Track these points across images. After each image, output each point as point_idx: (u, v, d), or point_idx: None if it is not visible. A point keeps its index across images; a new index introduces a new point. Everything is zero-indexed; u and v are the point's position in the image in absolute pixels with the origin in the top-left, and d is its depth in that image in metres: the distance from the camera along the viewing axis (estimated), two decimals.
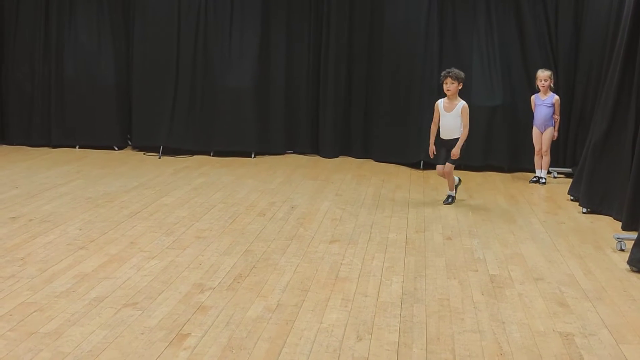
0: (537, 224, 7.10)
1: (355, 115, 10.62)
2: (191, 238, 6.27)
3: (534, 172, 9.30)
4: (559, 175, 9.58)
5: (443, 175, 7.76)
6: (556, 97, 9.06)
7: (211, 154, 10.42)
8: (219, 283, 5.17)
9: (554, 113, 9.03)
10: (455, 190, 7.96)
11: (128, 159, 10.11)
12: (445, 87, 7.60)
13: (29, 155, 10.08)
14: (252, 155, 10.41)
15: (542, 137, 9.07)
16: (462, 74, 7.65)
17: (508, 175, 9.61)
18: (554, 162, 9.69)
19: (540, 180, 9.10)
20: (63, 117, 10.66)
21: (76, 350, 4.02)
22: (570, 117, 9.73)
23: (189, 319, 4.49)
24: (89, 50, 10.60)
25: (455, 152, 7.54)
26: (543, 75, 9.04)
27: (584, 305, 4.94)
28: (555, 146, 9.76)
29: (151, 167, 9.50)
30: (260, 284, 5.16)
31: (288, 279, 5.29)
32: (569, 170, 9.52)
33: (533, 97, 9.16)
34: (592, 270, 5.70)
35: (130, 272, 5.33)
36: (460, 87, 7.62)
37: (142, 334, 4.27)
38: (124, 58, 10.79)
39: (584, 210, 7.57)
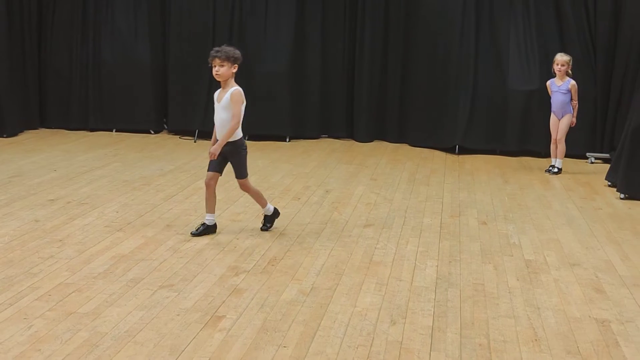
0: (573, 210, 7.02)
1: (390, 99, 10.57)
2: (226, 221, 6.30)
3: (574, 157, 9.18)
4: (597, 161, 9.45)
5: (246, 190, 6.06)
6: (572, 82, 8.56)
7: (246, 138, 10.40)
8: (254, 266, 5.19)
9: (571, 99, 8.58)
10: (270, 220, 6.09)
11: (164, 142, 10.18)
12: (213, 71, 5.90)
13: (67, 138, 10.20)
14: (287, 139, 10.42)
15: (560, 123, 8.63)
16: (237, 53, 5.89)
17: (544, 159, 9.50)
18: (591, 148, 9.58)
19: (552, 170, 8.69)
20: (100, 102, 10.76)
21: (114, 330, 4.07)
22: (608, 102, 9.60)
23: (224, 301, 4.53)
24: (126, 35, 10.68)
25: (214, 149, 5.79)
26: (561, 60, 8.56)
27: (620, 291, 4.88)
28: (592, 131, 9.64)
29: (187, 151, 9.55)
30: (294, 267, 5.18)
31: (322, 263, 5.30)
32: (606, 155, 9.39)
33: (549, 82, 8.77)
34: (630, 256, 5.63)
35: (167, 255, 5.38)
36: (235, 70, 5.92)
37: (178, 315, 4.31)
38: (161, 43, 10.84)
39: (622, 196, 7.47)
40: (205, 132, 10.38)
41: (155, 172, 8.16)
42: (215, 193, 5.90)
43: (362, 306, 4.51)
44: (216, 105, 5.99)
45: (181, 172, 8.20)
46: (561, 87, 8.57)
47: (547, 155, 9.64)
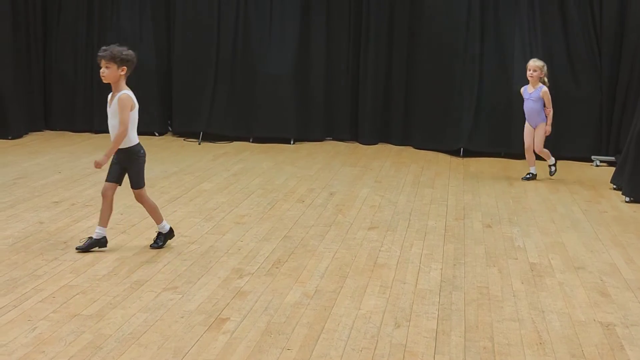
0: (578, 213, 7.01)
1: (394, 101, 10.57)
2: (230, 223, 6.31)
3: (579, 160, 9.16)
4: (602, 164, 9.44)
5: (141, 203, 5.69)
6: (544, 89, 8.13)
7: (250, 140, 10.45)
8: (258, 268, 5.20)
9: (544, 107, 8.18)
10: (164, 238, 5.66)
11: (168, 144, 10.19)
12: (100, 72, 5.40)
13: (72, 140, 10.21)
14: (292, 142, 10.42)
15: (535, 134, 8.25)
16: (127, 54, 5.35)
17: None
18: (596, 151, 9.56)
19: (528, 175, 8.40)
20: (104, 103, 10.68)
21: (117, 332, 4.08)
22: (614, 105, 9.59)
23: (228, 304, 4.53)
24: (130, 37, 10.65)
25: (100, 159, 5.36)
26: (533, 65, 8.12)
27: (625, 295, 4.87)
28: (597, 134, 9.63)
29: (191, 153, 9.56)
30: (298, 270, 5.18)
31: (326, 265, 5.30)
32: (611, 158, 9.38)
33: (522, 89, 8.37)
34: (635, 259, 5.62)
35: (170, 257, 5.39)
36: (123, 72, 5.35)
37: (182, 317, 4.31)
38: (165, 45, 10.86)
39: (627, 199, 7.46)
40: (210, 134, 10.42)
41: (160, 174, 8.17)
42: (112, 205, 5.52)
43: (366, 309, 4.51)
44: (108, 109, 5.47)
45: (185, 174, 8.21)
46: (532, 94, 8.18)
47: None
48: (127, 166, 5.48)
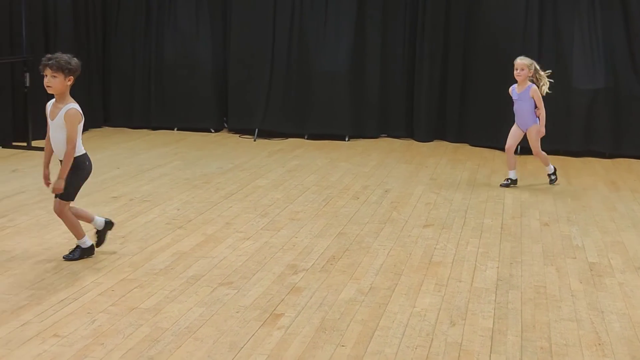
0: (639, 212, 6.86)
1: (450, 98, 10.48)
2: (285, 220, 6.33)
3: (637, 158, 8.97)
4: None
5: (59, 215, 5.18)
6: (533, 87, 7.49)
7: (305, 137, 10.48)
8: (312, 265, 5.21)
9: (535, 107, 7.57)
10: (80, 253, 5.21)
11: (224, 141, 10.28)
12: (45, 81, 5.02)
13: (130, 137, 10.39)
14: (346, 139, 10.42)
15: (529, 137, 7.69)
16: (74, 63, 5.03)
17: (609, 161, 9.30)
18: None
19: (506, 181, 7.74)
20: (162, 101, 10.93)
21: (174, 326, 4.13)
22: None
23: (282, 300, 4.55)
24: (187, 36, 10.82)
25: (59, 184, 4.98)
26: (520, 63, 7.48)
27: None
28: None
29: (246, 150, 9.63)
30: (353, 267, 5.18)
31: (381, 262, 5.28)
32: None
33: (510, 89, 7.74)
34: None
35: (226, 252, 5.44)
36: (70, 82, 5.05)
37: (237, 312, 4.35)
38: (221, 43, 10.95)
39: None
40: (265, 131, 10.48)
41: (216, 171, 8.25)
42: (73, 217, 5.17)
43: (421, 307, 4.49)
44: (50, 121, 5.06)
45: (241, 171, 8.28)
46: (521, 94, 7.54)
47: (612, 156, 9.44)
48: (68, 175, 5.03)
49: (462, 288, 4.82)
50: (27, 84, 9.22)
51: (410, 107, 10.66)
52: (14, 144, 9.25)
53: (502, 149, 9.71)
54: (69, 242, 5.49)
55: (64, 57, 5.00)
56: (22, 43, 9.36)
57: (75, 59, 5.07)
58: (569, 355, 3.89)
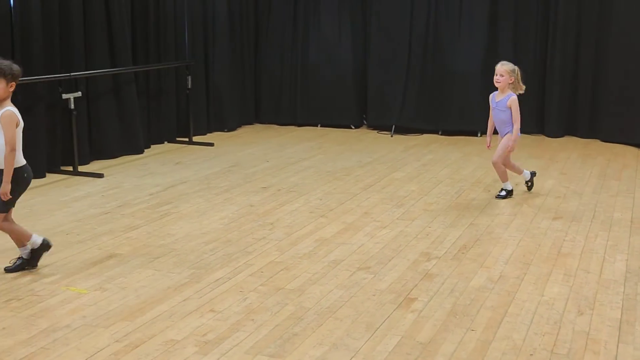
0: None
1: (582, 93, 10.05)
2: (419, 210, 6.31)
3: None
4: None
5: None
6: (513, 97, 6.54)
7: (439, 133, 10.38)
8: (445, 253, 5.17)
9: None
10: (15, 268, 4.73)
11: (363, 136, 10.34)
12: None
13: (278, 132, 10.64)
14: (479, 135, 10.22)
15: (499, 143, 6.72)
16: (15, 69, 4.53)
17: None
18: None
19: (502, 193, 6.72)
20: (307, 99, 11.12)
21: (316, 306, 4.22)
22: None
23: (416, 285, 4.55)
24: (330, 41, 10.95)
25: (5, 187, 4.52)
26: (500, 69, 6.53)
27: None
28: None
29: (384, 145, 9.65)
30: (483, 256, 5.11)
31: (511, 252, 5.18)
32: None
33: (490, 96, 6.78)
34: None
35: (364, 239, 5.49)
36: (12, 89, 4.54)
37: (374, 295, 4.39)
38: (361, 47, 11.00)
39: None
40: (401, 127, 10.45)
41: (355, 164, 8.32)
42: (12, 227, 4.73)
43: (549, 295, 4.37)
44: None
45: (379, 164, 8.31)
46: (499, 103, 6.60)
47: None
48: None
49: (590, 279, 4.65)
50: (189, 86, 9.62)
51: (541, 103, 10.31)
52: (178, 139, 9.70)
53: (634, 145, 9.30)
54: (225, 228, 5.71)
55: (5, 62, 4.55)
56: (186, 49, 9.79)
57: (16, 64, 4.59)
58: None
